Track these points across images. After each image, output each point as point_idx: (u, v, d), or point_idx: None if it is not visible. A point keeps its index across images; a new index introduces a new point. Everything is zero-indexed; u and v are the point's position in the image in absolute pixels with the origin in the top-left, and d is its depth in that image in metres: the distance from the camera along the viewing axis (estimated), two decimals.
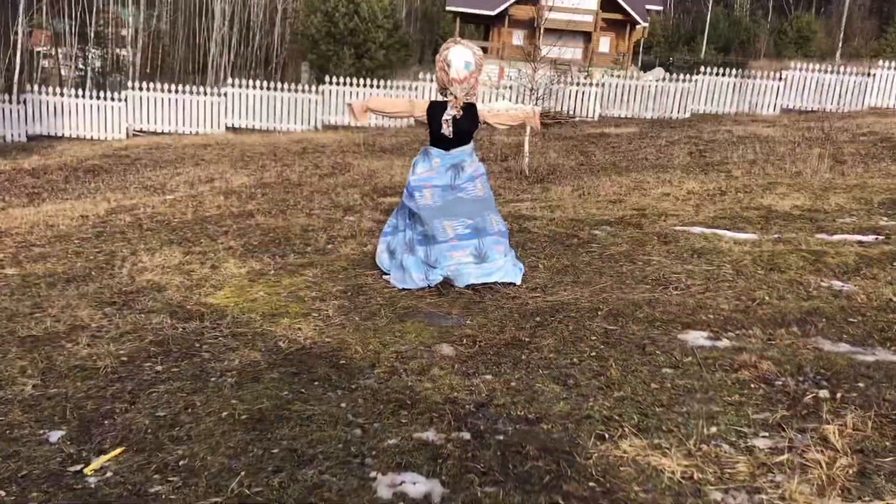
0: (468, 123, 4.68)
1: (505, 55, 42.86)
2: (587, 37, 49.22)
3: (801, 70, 21.14)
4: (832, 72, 21.21)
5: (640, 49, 56.36)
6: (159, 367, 3.45)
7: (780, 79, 21.01)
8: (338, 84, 19.75)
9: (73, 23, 38.21)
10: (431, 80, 19.92)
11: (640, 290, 4.55)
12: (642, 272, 4.94)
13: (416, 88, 19.70)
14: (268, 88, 19.87)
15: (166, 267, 5.46)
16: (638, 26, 51.20)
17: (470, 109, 4.69)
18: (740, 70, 21.48)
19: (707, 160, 11.29)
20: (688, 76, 21.11)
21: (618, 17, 48.84)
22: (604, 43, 50.32)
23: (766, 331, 3.76)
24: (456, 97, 4.61)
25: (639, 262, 5.19)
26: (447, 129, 4.61)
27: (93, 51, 38.87)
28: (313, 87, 20.12)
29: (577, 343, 3.64)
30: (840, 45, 50.37)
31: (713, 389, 3.10)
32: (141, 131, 19.96)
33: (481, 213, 4.72)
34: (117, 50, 43.12)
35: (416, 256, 4.72)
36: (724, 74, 20.96)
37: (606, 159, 12.20)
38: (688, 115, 20.85)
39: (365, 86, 19.66)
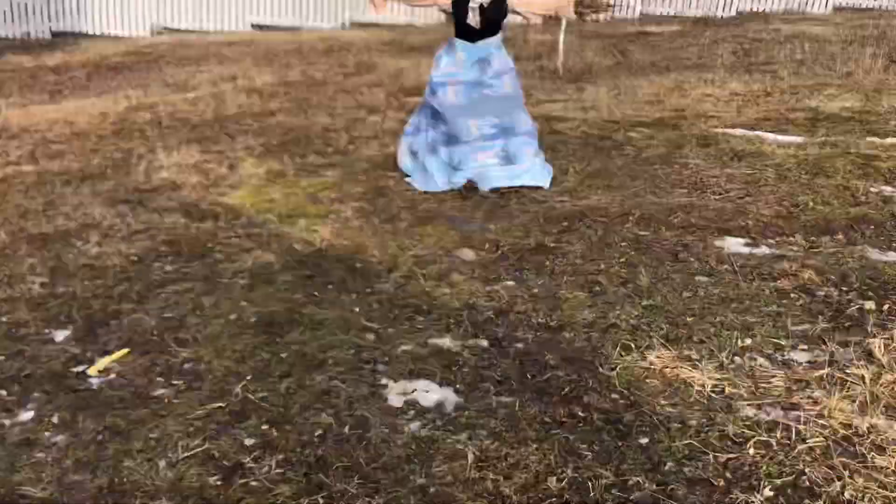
0: (496, 11, 4.35)
1: None
2: None
3: None
4: None
5: None
6: (169, 268, 3.34)
7: None
8: None
9: None
10: None
11: (676, 194, 4.31)
12: (679, 176, 4.67)
13: None
14: None
15: (183, 165, 5.30)
16: None
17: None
18: None
19: (752, 60, 10.69)
20: None
21: None
22: None
23: (808, 238, 3.53)
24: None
25: (675, 166, 4.91)
26: (473, 19, 4.29)
27: None
28: None
29: (606, 249, 3.44)
30: None
31: (749, 299, 2.90)
32: (165, 28, 19.55)
33: (509, 112, 4.45)
34: None
35: (439, 158, 4.49)
36: None
37: (646, 59, 11.62)
38: (734, 13, 19.77)
39: None
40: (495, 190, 4.37)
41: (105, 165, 5.34)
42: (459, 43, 4.43)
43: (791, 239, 3.52)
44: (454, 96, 4.40)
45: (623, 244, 3.48)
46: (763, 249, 3.42)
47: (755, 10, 19.92)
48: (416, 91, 8.62)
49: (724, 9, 19.90)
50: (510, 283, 3.09)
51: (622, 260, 3.30)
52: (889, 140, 5.44)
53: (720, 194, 4.27)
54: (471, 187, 4.40)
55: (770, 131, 5.90)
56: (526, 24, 4.63)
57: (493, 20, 4.35)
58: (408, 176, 4.78)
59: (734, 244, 3.50)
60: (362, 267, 3.30)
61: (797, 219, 3.80)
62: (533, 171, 4.45)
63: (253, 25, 19.52)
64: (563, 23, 9.19)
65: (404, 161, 4.85)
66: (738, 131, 5.90)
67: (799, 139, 5.62)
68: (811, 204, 4.02)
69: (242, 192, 4.61)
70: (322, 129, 6.48)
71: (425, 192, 4.48)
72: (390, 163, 5.19)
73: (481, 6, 4.29)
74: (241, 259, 3.44)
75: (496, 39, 4.43)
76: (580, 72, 10.10)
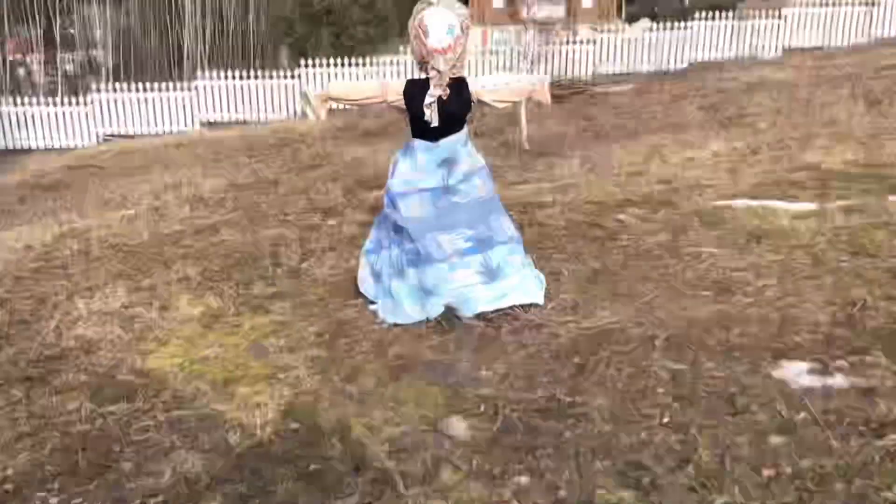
0: (458, 105, 3.62)
1: (486, 19, 41.45)
2: None
3: (800, 5, 19.89)
4: (834, 4, 19.97)
5: (624, 1, 54.62)
6: (55, 501, 2.44)
7: (780, 17, 19.78)
8: (315, 66, 18.55)
9: (38, 28, 36.82)
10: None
11: (700, 300, 3.53)
12: (694, 271, 3.91)
13: (398, 63, 18.51)
14: (240, 77, 18.69)
15: (105, 313, 4.43)
16: None
17: (459, 87, 3.62)
18: (734, 12, 20.18)
19: (724, 114, 10.20)
20: (682, 23, 19.87)
21: None
22: None
23: (892, 355, 2.75)
24: (439, 72, 3.54)
25: (686, 257, 4.16)
26: (431, 115, 3.55)
27: (62, 55, 37.51)
28: (289, 72, 18.92)
29: (640, 401, 2.63)
30: None
31: (858, 473, 2.09)
32: (112, 136, 18.84)
33: (485, 219, 3.68)
34: (91, 51, 41.72)
35: (407, 282, 3.69)
36: (718, 18, 19.72)
37: (611, 122, 11.09)
38: (686, 64, 19.66)
39: (344, 65, 18.48)
40: (481, 315, 3.57)
41: (8, 323, 4.45)
42: (419, 144, 3.68)
43: (868, 358, 2.74)
44: (418, 208, 3.63)
45: (660, 390, 2.68)
46: (838, 379, 2.63)
47: (706, 59, 19.82)
48: (375, 183, 7.89)
49: (675, 62, 19.77)
50: (523, 479, 2.24)
51: (666, 419, 2.48)
52: None
53: (753, 295, 3.51)
54: (450, 314, 3.59)
55: (777, 199, 5.22)
56: (489, 108, 3.90)
57: (455, 115, 3.62)
58: (372, 303, 3.96)
59: (798, 372, 2.71)
60: (319, 468, 2.44)
61: (863, 325, 3.03)
62: (523, 285, 3.67)
63: (202, 123, 18.91)
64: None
65: (367, 284, 4.04)
66: (741, 202, 5.20)
67: (813, 205, 4.93)
68: (870, 299, 3.26)
69: (171, 349, 3.74)
70: (271, 245, 5.67)
71: (395, 325, 3.65)
72: (350, 283, 4.38)
73: (439, 100, 3.56)
74: (157, 469, 2.56)
75: (461, 135, 3.70)
76: (546, 143, 9.49)
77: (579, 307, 3.64)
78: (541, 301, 3.67)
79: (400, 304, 3.67)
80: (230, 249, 5.67)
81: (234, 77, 18.64)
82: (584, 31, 24.16)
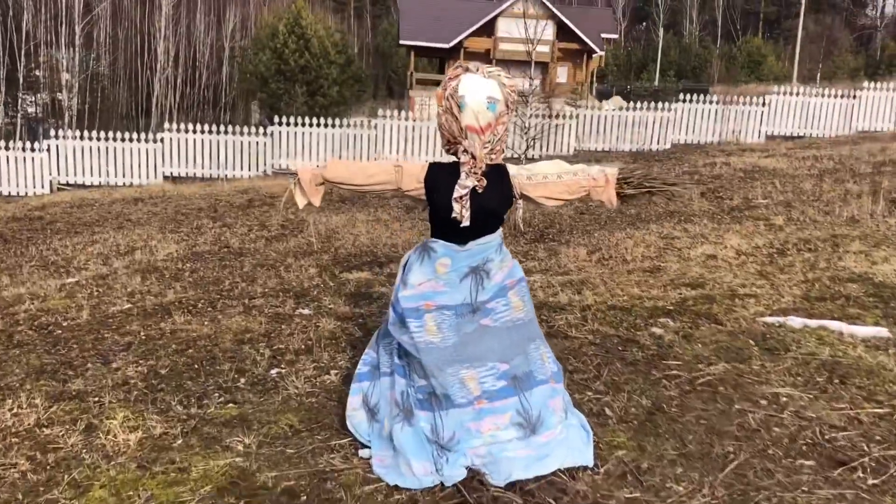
0: (497, 200, 2.78)
1: None
2: (545, 67, 48.12)
3: (784, 94, 19.84)
4: (816, 95, 19.96)
5: (594, 78, 55.46)
6: None
7: (764, 104, 19.67)
8: (289, 125, 17.79)
9: (2, 69, 35.71)
10: (393, 117, 18.12)
11: (804, 471, 2.68)
12: (782, 427, 3.06)
13: (376, 126, 17.85)
14: (209, 132, 17.82)
15: (12, 435, 3.43)
16: (595, 55, 50.43)
17: (498, 176, 2.79)
18: (703, 95, 19.98)
19: (728, 203, 9.57)
20: (667, 104, 19.62)
21: (574, 46, 47.82)
22: (561, 73, 49.31)
23: None
24: (474, 157, 2.72)
25: (759, 400, 3.32)
26: (462, 212, 2.70)
27: (24, 97, 36.37)
28: (261, 130, 18.11)
29: None
30: (796, 68, 50.11)
31: None
32: (67, 185, 17.73)
33: (523, 349, 2.81)
34: (56, 94, 40.55)
35: (416, 429, 2.77)
36: (701, 101, 19.53)
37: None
38: (668, 145, 19.35)
39: (318, 125, 17.75)
40: (516, 485, 2.65)
41: None
42: (441, 247, 2.82)
43: None
44: (436, 332, 2.74)
45: None
46: None
47: (688, 142, 19.55)
48: (354, 262, 7.00)
49: (658, 142, 19.46)
50: None
51: None
52: None
53: (874, 469, 2.66)
54: (475, 479, 2.67)
55: (837, 318, 4.44)
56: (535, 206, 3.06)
57: (492, 213, 2.78)
58: (365, 446, 3.03)
59: None
60: None
61: None
62: (569, 440, 2.78)
63: (166, 177, 17.93)
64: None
65: (358, 420, 3.10)
66: (797, 321, 4.41)
67: (886, 332, 4.16)
68: None
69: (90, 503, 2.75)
70: (234, 339, 4.72)
71: (397, 489, 2.72)
72: (333, 413, 3.45)
73: (474, 192, 2.72)
74: None
75: (496, 237, 2.85)
76: (543, 226, 8.73)
77: (642, 472, 2.75)
78: (591, 462, 2.77)
79: (403, 458, 2.75)
80: (184, 343, 4.69)
81: (203, 131, 17.77)
82: (558, 105, 23.91)
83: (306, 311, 5.38)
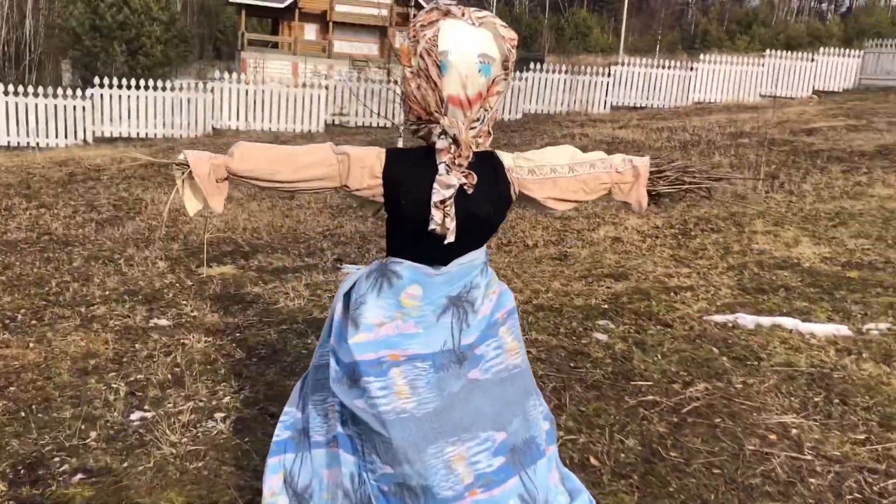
0: (492, 203, 1.97)
1: (298, 51, 39.73)
2: (383, 31, 47.01)
3: (628, 65, 20.18)
4: (659, 66, 20.47)
5: None
6: None
7: (609, 75, 19.90)
8: (111, 87, 15.76)
9: None
10: (232, 80, 16.51)
11: None
12: (810, 470, 2.51)
13: (213, 90, 16.20)
14: (15, 94, 15.45)
15: None
16: None
17: (489, 169, 1.97)
18: (540, 65, 19.91)
19: None
20: (518, 74, 19.34)
21: (413, 10, 47.09)
22: (400, 38, 48.42)
23: None
24: (457, 143, 1.90)
25: (767, 434, 2.76)
26: (446, 222, 1.87)
27: None
28: (78, 92, 15.93)
29: None
30: (622, 40, 52.25)
31: None
32: None
33: (522, 408, 2.04)
34: None
35: None
36: (553, 71, 19.46)
37: None
38: (520, 115, 19.13)
39: (146, 87, 15.86)
40: None
41: None
42: (408, 270, 1.97)
43: None
44: (409, 393, 1.91)
45: None
46: None
47: (539, 112, 19.43)
48: (214, 253, 5.91)
49: (510, 112, 19.18)
50: None
51: None
52: None
53: None
54: None
55: (787, 315, 4.04)
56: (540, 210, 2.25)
57: (486, 222, 1.97)
58: None
59: None
60: None
61: None
62: None
63: None
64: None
65: None
66: (749, 319, 3.96)
67: (847, 330, 3.79)
68: None
69: None
70: (73, 368, 3.61)
71: None
72: (233, 489, 2.54)
73: (461, 193, 1.89)
74: None
75: (480, 256, 2.04)
76: None
77: None
78: None
79: None
80: (1, 377, 3.53)
81: (6, 92, 15.38)
82: (397, 71, 23.15)
83: (164, 323, 4.32)
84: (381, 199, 1.98)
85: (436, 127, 1.91)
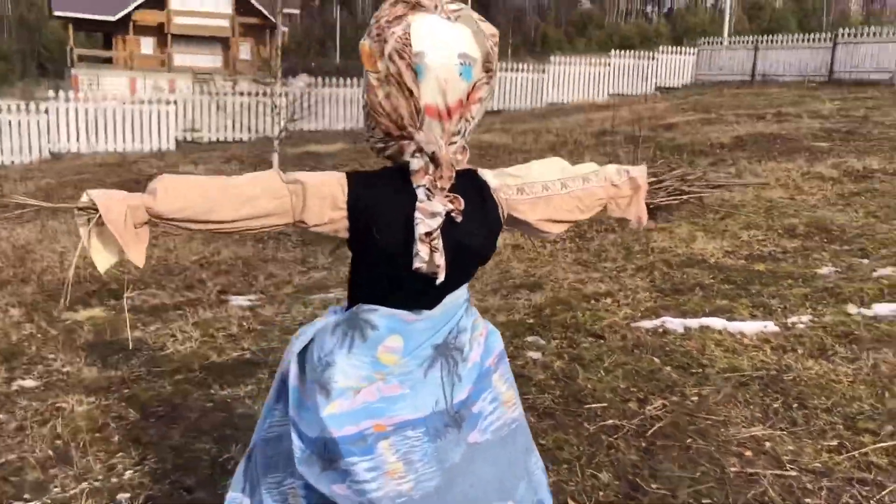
0: (483, 231, 1.64)
1: (135, 66, 37.67)
2: (225, 43, 45.32)
3: None
4: (512, 70, 20.81)
5: (280, 55, 53.53)
6: None
7: None
8: None
9: None
10: (70, 98, 15.13)
11: None
12: (803, 489, 2.37)
13: (47, 110, 14.79)
14: None
15: None
16: (277, 31, 48.77)
17: (473, 191, 1.65)
18: None
19: None
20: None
21: (255, 21, 45.69)
22: (244, 49, 46.92)
23: None
24: (435, 161, 1.57)
25: (743, 451, 2.61)
26: (435, 258, 1.54)
27: None
28: None
29: None
30: None
31: None
32: None
33: (525, 468, 1.75)
34: None
35: None
36: None
37: None
38: None
39: None
40: None
41: None
42: (384, 318, 1.62)
43: None
44: (403, 470, 1.56)
45: None
46: None
47: None
48: (77, 293, 5.22)
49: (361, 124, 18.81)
50: None
51: None
52: (885, 307, 3.83)
53: None
54: None
55: (710, 314, 3.97)
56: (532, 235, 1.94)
57: (475, 253, 1.64)
58: None
59: None
60: None
61: None
62: None
63: None
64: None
65: None
66: (674, 322, 3.86)
67: (774, 325, 3.76)
68: None
69: None
70: None
71: None
72: None
73: (448, 222, 1.56)
74: None
75: (463, 294, 1.72)
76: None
77: None
78: None
79: None
80: None
81: None
82: (244, 83, 22.33)
83: (30, 384, 3.69)
84: (346, 235, 1.62)
85: (409, 144, 1.57)
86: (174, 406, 3.33)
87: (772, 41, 21.21)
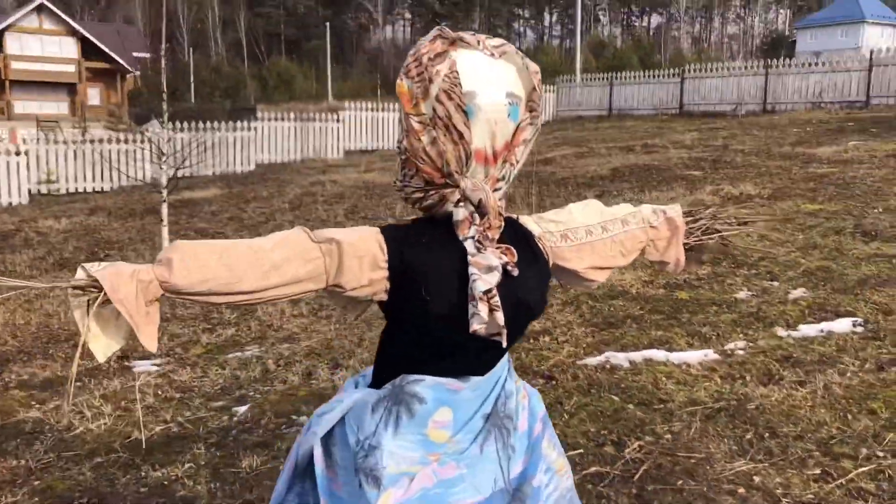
0: (536, 283, 1.49)
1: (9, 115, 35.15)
2: (72, 88, 42.93)
3: (355, 110, 20.31)
4: (382, 110, 20.85)
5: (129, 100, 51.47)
6: None
7: (339, 120, 19.85)
8: None
9: None
10: None
11: None
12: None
13: None
14: None
15: None
16: (129, 75, 46.75)
17: (521, 241, 1.49)
18: (252, 114, 19.48)
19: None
20: (246, 124, 18.52)
21: (104, 65, 43.66)
22: (93, 94, 44.64)
23: None
24: (480, 210, 1.41)
25: (736, 489, 2.57)
26: (492, 317, 1.37)
27: None
28: None
29: None
30: (329, 87, 53.23)
31: None
32: None
33: None
34: None
35: None
36: (283, 119, 18.94)
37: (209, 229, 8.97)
38: (253, 166, 18.29)
39: None
40: None
41: None
42: (430, 389, 1.43)
43: None
44: None
45: None
46: None
47: (272, 161, 18.73)
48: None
49: (241, 163, 18.23)
50: None
51: None
52: (808, 328, 3.98)
53: None
54: None
55: (649, 346, 3.99)
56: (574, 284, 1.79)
57: (532, 309, 1.49)
58: None
59: None
60: None
61: None
62: None
63: None
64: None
65: None
66: (619, 357, 3.84)
67: (713, 353, 3.81)
68: None
69: None
70: None
71: None
72: None
73: (505, 276, 1.40)
74: None
75: (505, 356, 1.56)
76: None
77: None
78: None
79: None
80: None
81: None
82: (97, 130, 21.26)
83: None
84: (383, 297, 1.43)
85: (453, 192, 1.42)
86: (101, 495, 2.93)
87: (625, 77, 22.44)
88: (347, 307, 1.53)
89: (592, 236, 1.63)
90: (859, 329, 3.90)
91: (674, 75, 21.06)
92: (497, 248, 1.43)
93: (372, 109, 20.51)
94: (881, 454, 2.66)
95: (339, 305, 1.53)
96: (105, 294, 1.27)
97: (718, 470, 2.68)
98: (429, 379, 1.45)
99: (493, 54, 1.43)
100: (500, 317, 1.38)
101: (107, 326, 1.32)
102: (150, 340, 1.32)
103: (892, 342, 3.64)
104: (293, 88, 59.92)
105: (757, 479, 2.60)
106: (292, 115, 19.22)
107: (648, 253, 1.72)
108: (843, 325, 3.98)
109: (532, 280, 1.47)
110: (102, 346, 1.32)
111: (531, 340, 4.19)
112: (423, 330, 1.42)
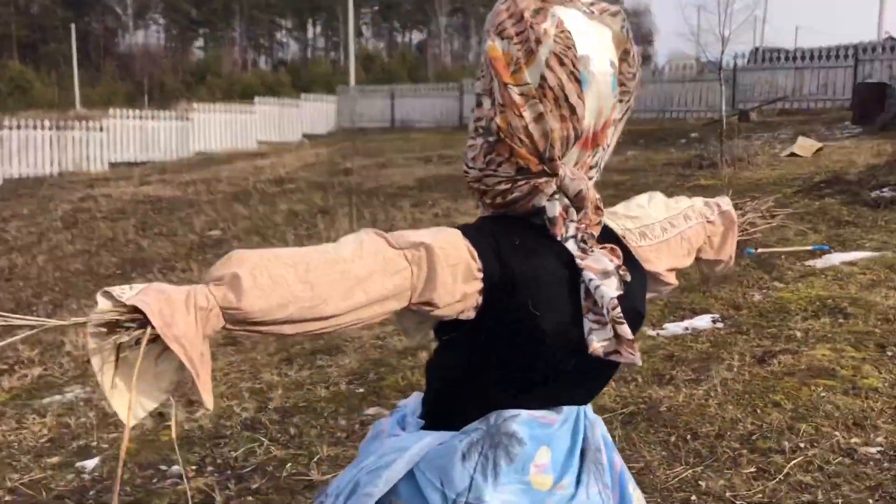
0: (642, 294, 1.26)
1: None
2: None
3: (122, 118, 18.62)
4: (152, 118, 19.33)
5: None
6: None
7: (102, 129, 18.08)
8: None
9: None
10: None
11: None
12: None
13: None
14: None
15: None
16: None
17: (609, 238, 1.25)
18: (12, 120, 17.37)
19: (182, 239, 8.13)
20: None
21: None
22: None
23: None
24: (578, 202, 1.15)
25: (674, 492, 2.51)
26: (617, 333, 1.12)
27: None
28: None
29: None
30: (77, 93, 48.71)
31: None
32: None
33: None
34: None
35: None
36: (36, 128, 16.89)
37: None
38: (0, 182, 16.11)
39: None
40: None
41: None
42: (525, 425, 1.16)
43: None
44: None
45: None
46: None
47: (23, 176, 16.56)
48: None
49: None
50: None
51: None
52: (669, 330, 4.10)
53: None
54: None
55: None
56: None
57: (643, 320, 1.26)
58: None
59: None
60: None
61: None
62: None
63: None
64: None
65: None
66: None
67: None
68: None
69: None
70: None
71: None
72: None
73: (624, 299, 1.16)
74: None
75: None
76: None
77: None
78: None
79: None
80: None
81: None
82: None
83: None
84: (470, 315, 1.13)
85: (548, 182, 1.16)
86: None
87: (407, 89, 22.79)
88: (415, 329, 1.20)
89: (667, 233, 1.43)
90: (720, 325, 4.10)
91: (453, 89, 21.71)
92: (603, 248, 1.19)
93: (141, 118, 18.92)
94: (803, 445, 2.74)
95: (408, 327, 1.19)
96: (151, 330, 0.87)
97: (662, 479, 2.62)
98: (523, 413, 1.18)
99: (592, 12, 1.19)
100: (626, 330, 1.14)
101: (144, 375, 0.90)
102: (209, 393, 0.93)
103: (757, 335, 3.85)
104: (31, 95, 54.12)
105: (702, 483, 2.57)
106: (47, 123, 17.18)
107: (703, 251, 1.55)
108: (704, 322, 4.15)
109: (636, 285, 1.25)
110: (136, 402, 0.90)
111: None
112: (523, 352, 1.15)
